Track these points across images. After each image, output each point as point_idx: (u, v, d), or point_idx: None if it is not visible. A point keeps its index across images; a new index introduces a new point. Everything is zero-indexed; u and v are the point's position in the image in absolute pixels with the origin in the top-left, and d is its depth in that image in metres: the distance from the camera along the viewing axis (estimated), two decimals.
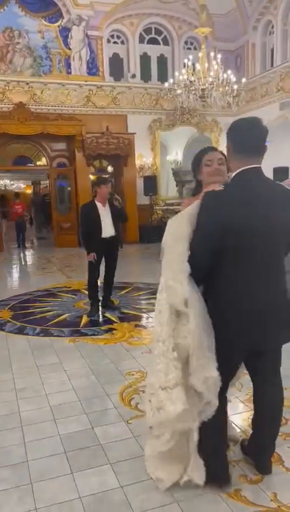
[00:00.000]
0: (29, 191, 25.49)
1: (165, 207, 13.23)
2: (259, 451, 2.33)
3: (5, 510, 2.10)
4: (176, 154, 15.07)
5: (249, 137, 2.04)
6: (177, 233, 2.10)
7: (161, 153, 13.72)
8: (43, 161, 13.06)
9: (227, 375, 2.11)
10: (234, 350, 2.12)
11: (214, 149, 2.44)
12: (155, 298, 2.23)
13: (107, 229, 5.29)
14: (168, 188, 14.31)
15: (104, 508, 2.09)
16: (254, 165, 2.03)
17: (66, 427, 2.81)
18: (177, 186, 14.04)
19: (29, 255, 12.38)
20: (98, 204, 5.27)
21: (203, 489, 2.16)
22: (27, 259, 11.59)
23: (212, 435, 2.14)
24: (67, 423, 2.86)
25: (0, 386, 3.47)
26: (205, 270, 2.07)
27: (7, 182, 22.63)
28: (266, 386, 2.28)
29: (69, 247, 12.25)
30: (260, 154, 2.06)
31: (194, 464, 2.14)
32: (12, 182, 23.57)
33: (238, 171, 2.06)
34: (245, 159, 2.04)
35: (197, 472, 2.14)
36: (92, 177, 13.21)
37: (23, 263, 10.99)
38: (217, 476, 2.18)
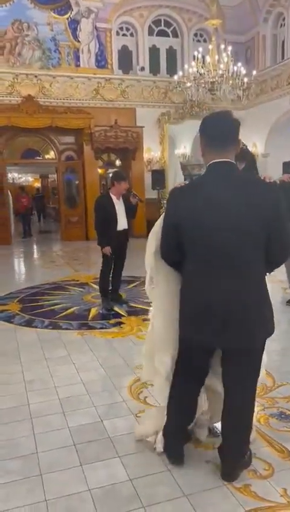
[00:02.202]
0: (37, 184, 25.56)
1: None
2: (222, 457, 2.22)
3: (15, 501, 2.11)
4: (184, 148, 15.00)
5: (214, 131, 2.05)
6: (153, 230, 2.33)
7: (168, 146, 13.65)
8: (52, 154, 13.06)
9: (186, 365, 2.24)
10: (189, 345, 2.18)
11: None
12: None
13: (122, 222, 5.30)
14: (175, 182, 14.25)
15: (113, 500, 2.10)
16: (221, 159, 2.02)
17: (75, 420, 2.81)
18: (185, 179, 13.99)
19: (36, 249, 12.42)
20: (113, 198, 5.27)
21: (213, 483, 2.16)
22: (35, 253, 11.61)
23: (172, 412, 2.33)
24: (76, 416, 2.87)
25: (9, 378, 3.49)
26: (176, 262, 2.20)
27: (15, 175, 22.67)
28: (231, 392, 2.18)
29: (77, 240, 12.28)
30: (228, 148, 2.03)
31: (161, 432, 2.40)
32: (20, 175, 23.63)
33: (207, 165, 2.07)
34: (213, 153, 2.04)
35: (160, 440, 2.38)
36: (100, 170, 13.22)
37: (31, 256, 11.01)
38: (168, 452, 2.35)
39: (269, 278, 2.25)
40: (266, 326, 2.08)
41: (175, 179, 14.26)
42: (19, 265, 9.79)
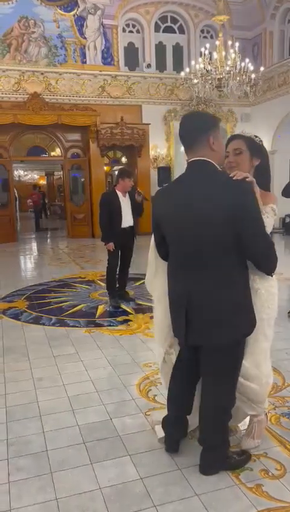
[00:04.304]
0: (42, 181, 25.58)
1: None
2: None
3: (26, 499, 2.10)
4: None
5: (180, 131, 2.12)
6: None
7: (174, 143, 13.59)
8: (58, 152, 13.04)
9: (179, 358, 2.37)
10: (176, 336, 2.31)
11: (237, 137, 2.35)
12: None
13: (127, 219, 5.29)
14: None
15: (124, 499, 2.09)
16: (194, 158, 2.07)
17: (84, 418, 2.81)
18: None
19: (42, 246, 12.42)
20: (119, 194, 5.25)
21: (225, 483, 2.15)
22: (41, 250, 11.62)
23: (168, 403, 2.46)
24: (85, 414, 2.86)
25: (18, 375, 3.49)
26: (166, 256, 2.29)
27: (21, 172, 22.70)
28: (203, 387, 2.26)
29: (83, 237, 12.28)
30: (194, 148, 2.06)
31: None
32: (26, 173, 23.65)
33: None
34: (187, 152, 2.12)
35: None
36: (105, 168, 13.19)
37: (36, 253, 11.02)
38: (165, 438, 2.44)
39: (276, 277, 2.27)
40: (235, 325, 2.06)
41: None
42: (25, 263, 9.80)
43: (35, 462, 2.38)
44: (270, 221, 2.18)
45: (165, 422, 2.45)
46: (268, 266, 2.07)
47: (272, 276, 2.17)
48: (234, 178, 1.96)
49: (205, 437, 2.26)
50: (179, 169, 13.86)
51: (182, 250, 2.08)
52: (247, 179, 1.97)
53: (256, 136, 2.36)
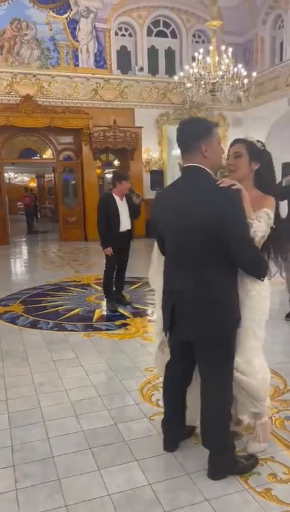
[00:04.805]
0: (32, 184, 25.47)
1: None
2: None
3: (35, 506, 2.08)
4: None
5: (178, 137, 2.21)
6: None
7: (166, 147, 13.63)
8: (50, 154, 13.00)
9: (171, 355, 2.43)
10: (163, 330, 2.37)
11: (239, 141, 2.39)
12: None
13: (125, 223, 5.27)
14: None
15: (134, 505, 2.08)
16: (187, 164, 2.16)
17: (88, 423, 2.79)
18: None
19: (35, 249, 12.35)
20: (116, 198, 5.24)
21: (234, 488, 2.15)
22: (33, 253, 11.54)
23: (163, 402, 2.53)
24: (89, 419, 2.85)
25: (19, 381, 3.46)
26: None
27: (11, 174, 22.56)
28: (200, 387, 2.29)
29: (75, 240, 12.24)
30: (188, 154, 2.16)
31: None
32: (16, 175, 23.52)
33: None
34: (183, 157, 2.21)
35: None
36: (97, 171, 13.17)
37: (29, 257, 10.95)
38: (163, 436, 2.50)
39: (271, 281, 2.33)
40: (218, 323, 2.12)
41: (173, 180, 14.25)
42: (18, 266, 9.73)
43: (42, 469, 2.36)
44: (262, 226, 2.17)
45: (161, 422, 2.54)
46: (256, 271, 2.15)
47: (262, 280, 2.21)
48: (221, 185, 2.03)
49: (206, 437, 2.28)
50: (171, 172, 13.93)
51: (173, 250, 2.23)
52: (233, 186, 2.04)
53: (259, 141, 2.39)
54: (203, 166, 2.13)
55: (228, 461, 2.26)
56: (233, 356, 2.23)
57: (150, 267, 2.64)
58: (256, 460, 2.34)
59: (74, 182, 12.81)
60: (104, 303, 5.56)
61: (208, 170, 2.14)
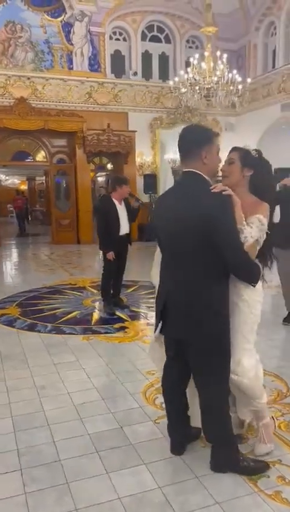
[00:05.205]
0: (23, 187, 25.33)
1: None
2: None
3: (44, 510, 2.06)
4: (174, 153, 15.05)
5: (180, 142, 2.27)
6: None
7: (160, 151, 13.68)
8: (43, 157, 12.95)
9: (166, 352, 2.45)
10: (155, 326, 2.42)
11: (235, 149, 2.43)
12: None
13: (124, 227, 5.27)
14: (166, 187, 14.29)
15: (145, 509, 2.07)
16: (185, 169, 2.24)
17: (94, 426, 2.78)
18: None
19: (27, 252, 12.28)
20: (115, 202, 5.24)
21: (244, 490, 2.16)
22: (26, 256, 11.48)
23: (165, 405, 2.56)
24: (94, 422, 2.83)
25: (20, 384, 3.43)
26: None
27: (3, 177, 22.43)
28: (196, 384, 2.35)
29: (68, 243, 12.20)
30: (186, 160, 2.23)
31: None
32: (7, 178, 23.39)
33: None
34: (182, 162, 2.29)
35: None
36: (91, 174, 13.17)
37: (22, 259, 10.88)
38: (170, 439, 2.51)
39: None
40: (206, 323, 2.16)
41: (165, 184, 14.30)
42: (12, 269, 9.65)
43: (50, 472, 2.34)
44: (254, 231, 2.19)
45: (167, 426, 2.54)
46: (246, 277, 2.19)
47: (253, 286, 2.24)
48: (212, 191, 2.08)
49: (206, 430, 2.33)
50: (164, 176, 13.99)
51: (167, 252, 2.33)
52: (224, 192, 2.08)
53: (256, 150, 2.43)
54: (200, 172, 2.20)
55: (230, 457, 2.29)
56: (226, 357, 2.25)
57: (152, 267, 2.68)
58: (265, 465, 2.34)
59: (68, 185, 12.76)
60: (101, 306, 5.54)
61: (205, 176, 2.21)
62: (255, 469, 2.30)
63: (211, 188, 2.10)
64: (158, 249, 2.54)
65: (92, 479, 2.29)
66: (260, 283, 2.27)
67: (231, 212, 2.09)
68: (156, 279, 2.60)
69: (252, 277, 2.17)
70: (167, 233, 2.28)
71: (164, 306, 2.29)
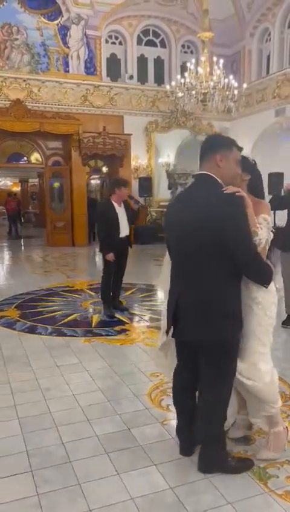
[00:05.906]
0: (16, 188, 25.22)
1: (160, 209, 13.25)
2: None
3: (59, 511, 2.07)
4: (168, 157, 15.12)
5: (201, 147, 2.31)
6: None
7: (155, 154, 13.73)
8: (37, 159, 12.94)
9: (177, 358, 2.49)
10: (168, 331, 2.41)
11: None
12: (161, 300, 2.56)
13: (124, 229, 5.29)
14: (159, 190, 14.34)
15: (158, 509, 2.09)
16: (198, 172, 2.28)
17: (102, 428, 2.79)
18: (170, 188, 14.07)
19: (22, 254, 12.24)
20: (115, 204, 5.25)
21: (254, 491, 2.19)
22: (21, 258, 11.44)
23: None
24: (102, 424, 2.84)
25: (24, 386, 3.42)
26: None
27: None
28: (202, 384, 2.37)
29: (63, 246, 12.19)
30: (202, 163, 2.27)
31: None
32: (0, 179, 23.27)
33: None
34: (200, 166, 2.31)
35: None
36: (87, 176, 13.18)
37: (18, 262, 10.84)
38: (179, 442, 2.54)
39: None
40: (217, 328, 2.18)
41: (159, 187, 14.35)
42: (8, 271, 9.61)
43: (61, 474, 2.34)
44: (263, 233, 2.23)
45: (176, 428, 2.57)
46: (259, 278, 2.20)
47: (266, 287, 2.25)
48: (225, 192, 2.10)
49: (200, 428, 2.35)
50: (158, 179, 14.04)
51: (177, 256, 2.32)
52: (237, 194, 2.09)
53: (253, 160, 2.53)
54: (212, 174, 2.19)
55: (219, 456, 2.33)
56: (234, 360, 2.28)
57: (161, 274, 2.70)
58: (251, 462, 2.39)
59: (62, 187, 12.76)
60: (101, 308, 5.55)
61: (217, 178, 2.19)
62: (242, 467, 2.35)
63: (223, 189, 2.10)
64: (167, 256, 2.54)
65: (103, 480, 2.30)
66: (272, 284, 2.28)
67: (244, 214, 2.09)
68: (164, 285, 2.61)
69: (265, 278, 2.18)
70: (178, 236, 2.27)
71: (176, 310, 2.28)
